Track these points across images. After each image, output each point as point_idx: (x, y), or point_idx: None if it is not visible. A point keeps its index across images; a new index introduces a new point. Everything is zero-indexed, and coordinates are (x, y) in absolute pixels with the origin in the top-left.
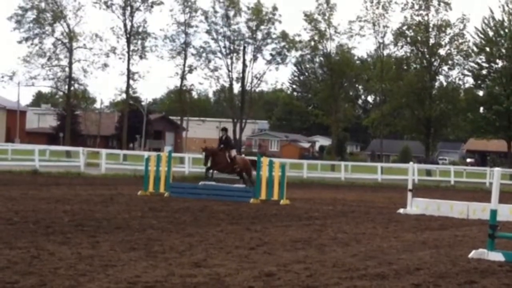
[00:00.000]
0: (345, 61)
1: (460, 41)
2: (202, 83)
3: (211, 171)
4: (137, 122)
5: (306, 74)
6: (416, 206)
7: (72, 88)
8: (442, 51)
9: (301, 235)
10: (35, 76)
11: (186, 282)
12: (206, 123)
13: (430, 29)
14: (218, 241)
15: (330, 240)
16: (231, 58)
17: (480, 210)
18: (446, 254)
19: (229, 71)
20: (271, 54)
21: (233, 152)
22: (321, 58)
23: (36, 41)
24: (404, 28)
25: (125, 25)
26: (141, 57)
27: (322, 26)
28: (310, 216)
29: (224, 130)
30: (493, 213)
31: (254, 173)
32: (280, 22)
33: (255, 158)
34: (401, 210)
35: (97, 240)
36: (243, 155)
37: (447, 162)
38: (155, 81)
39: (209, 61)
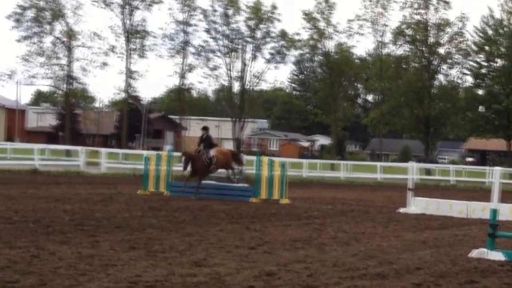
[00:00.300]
0: (344, 60)
1: (459, 40)
2: (202, 82)
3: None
4: (136, 121)
5: (306, 73)
6: (416, 205)
7: (71, 87)
8: (441, 50)
9: (301, 235)
10: (34, 75)
11: (186, 281)
12: (206, 122)
13: (429, 28)
14: (218, 241)
15: (330, 240)
16: (231, 57)
17: (480, 209)
18: (446, 253)
19: (228, 70)
20: (270, 53)
21: (212, 152)
22: (321, 57)
23: (35, 39)
24: (403, 27)
25: (124, 24)
26: (140, 56)
27: (321, 25)
28: (310, 215)
29: (205, 129)
30: (493, 212)
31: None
32: (279, 21)
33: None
34: (401, 210)
35: (97, 240)
36: (225, 148)
37: (447, 161)
38: (155, 80)
39: (209, 60)
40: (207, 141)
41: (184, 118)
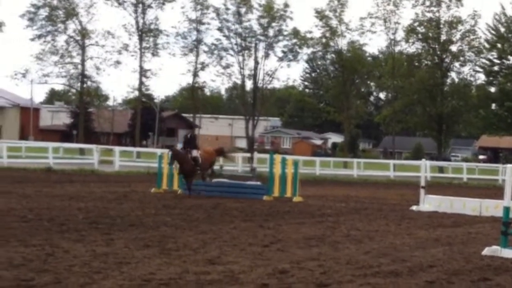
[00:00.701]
0: (356, 58)
1: (472, 37)
2: (214, 80)
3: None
4: (150, 120)
5: (318, 71)
6: (428, 203)
7: (85, 85)
8: (453, 48)
9: (314, 232)
10: (48, 73)
11: (200, 279)
12: (219, 120)
13: (442, 26)
14: (231, 238)
15: (343, 237)
16: (243, 55)
17: (493, 207)
18: (459, 251)
19: (241, 68)
20: (282, 51)
21: (194, 153)
22: (333, 55)
23: (48, 38)
24: (416, 24)
25: (137, 22)
26: (153, 54)
27: (334, 23)
28: (323, 213)
29: (189, 128)
30: (506, 210)
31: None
32: (291, 19)
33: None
34: (414, 207)
35: (112, 238)
36: (210, 147)
37: (460, 159)
38: (168, 78)
39: (221, 58)
40: (192, 141)
41: (197, 116)
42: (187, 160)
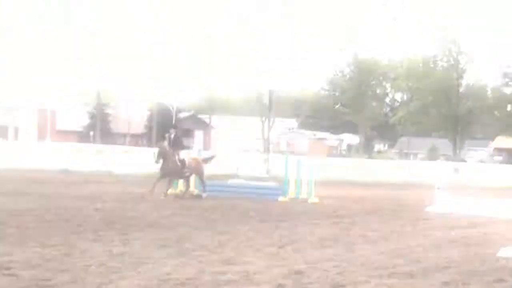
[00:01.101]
0: (372, 60)
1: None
2: (231, 82)
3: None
4: (166, 121)
5: (334, 73)
6: (444, 204)
7: (102, 87)
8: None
9: (329, 233)
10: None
11: (216, 279)
12: (235, 121)
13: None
14: (247, 239)
15: (358, 238)
16: (259, 58)
17: (509, 208)
18: (475, 252)
19: (257, 70)
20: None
21: (182, 155)
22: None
23: None
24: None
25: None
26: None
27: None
28: (339, 214)
29: (174, 127)
30: None
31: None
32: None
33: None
34: (430, 208)
35: (128, 238)
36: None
37: (475, 160)
38: (184, 79)
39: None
40: (175, 142)
41: (214, 115)
42: (172, 160)
